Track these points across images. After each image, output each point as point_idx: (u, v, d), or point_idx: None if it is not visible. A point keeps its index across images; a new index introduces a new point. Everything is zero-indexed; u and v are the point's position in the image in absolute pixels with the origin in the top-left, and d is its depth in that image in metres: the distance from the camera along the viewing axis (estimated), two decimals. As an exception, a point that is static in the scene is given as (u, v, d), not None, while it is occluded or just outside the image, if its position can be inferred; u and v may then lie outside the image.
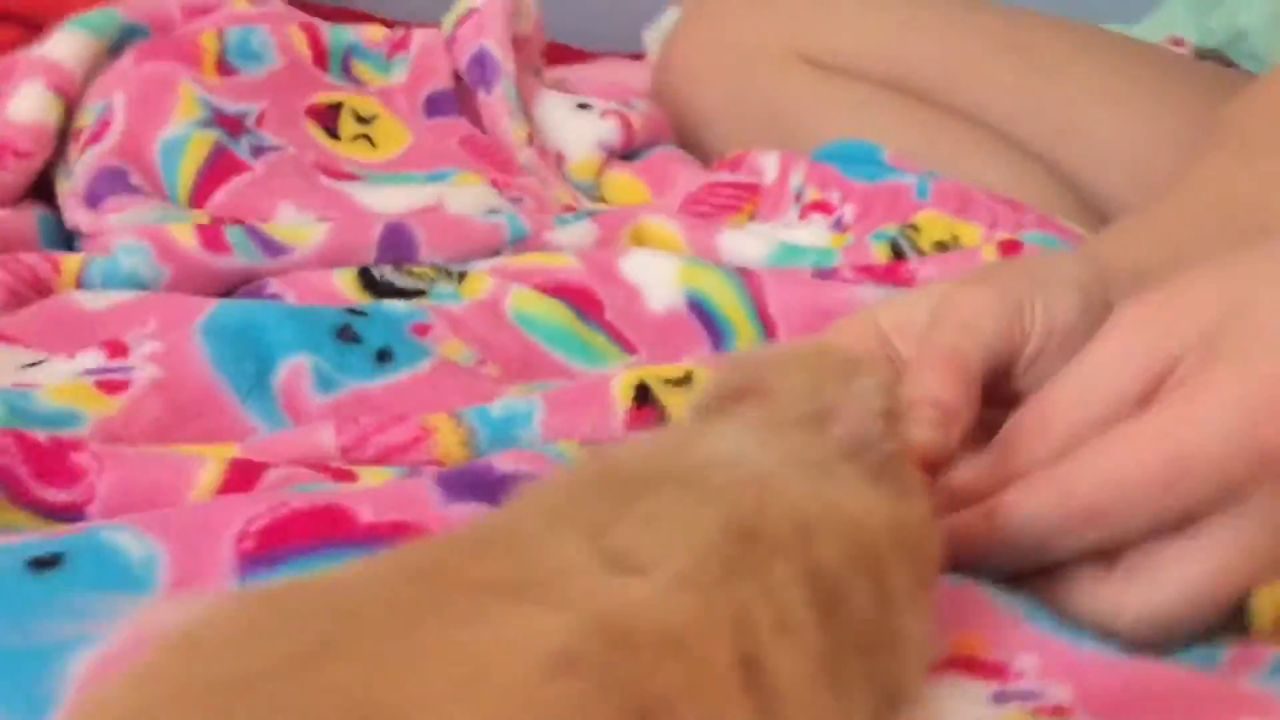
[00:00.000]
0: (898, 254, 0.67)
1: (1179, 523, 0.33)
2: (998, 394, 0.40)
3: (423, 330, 0.55)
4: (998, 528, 0.35)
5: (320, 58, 0.76)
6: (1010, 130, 0.80)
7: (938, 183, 0.72)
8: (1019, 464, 0.36)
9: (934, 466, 0.38)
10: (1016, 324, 0.41)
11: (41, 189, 0.66)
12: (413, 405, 0.51)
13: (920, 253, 0.67)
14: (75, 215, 0.63)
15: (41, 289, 0.55)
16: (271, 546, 0.36)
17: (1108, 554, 0.35)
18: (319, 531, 0.36)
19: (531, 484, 0.28)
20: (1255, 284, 0.35)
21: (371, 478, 0.44)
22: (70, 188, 0.64)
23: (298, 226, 0.62)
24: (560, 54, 1.04)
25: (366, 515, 0.37)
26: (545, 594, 0.22)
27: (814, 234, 0.72)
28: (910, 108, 0.81)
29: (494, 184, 0.72)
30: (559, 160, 0.79)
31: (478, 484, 0.40)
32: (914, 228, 0.69)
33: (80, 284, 0.57)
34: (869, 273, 0.65)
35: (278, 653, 0.20)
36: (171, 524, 0.36)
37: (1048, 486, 0.35)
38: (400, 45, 0.80)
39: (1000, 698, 0.31)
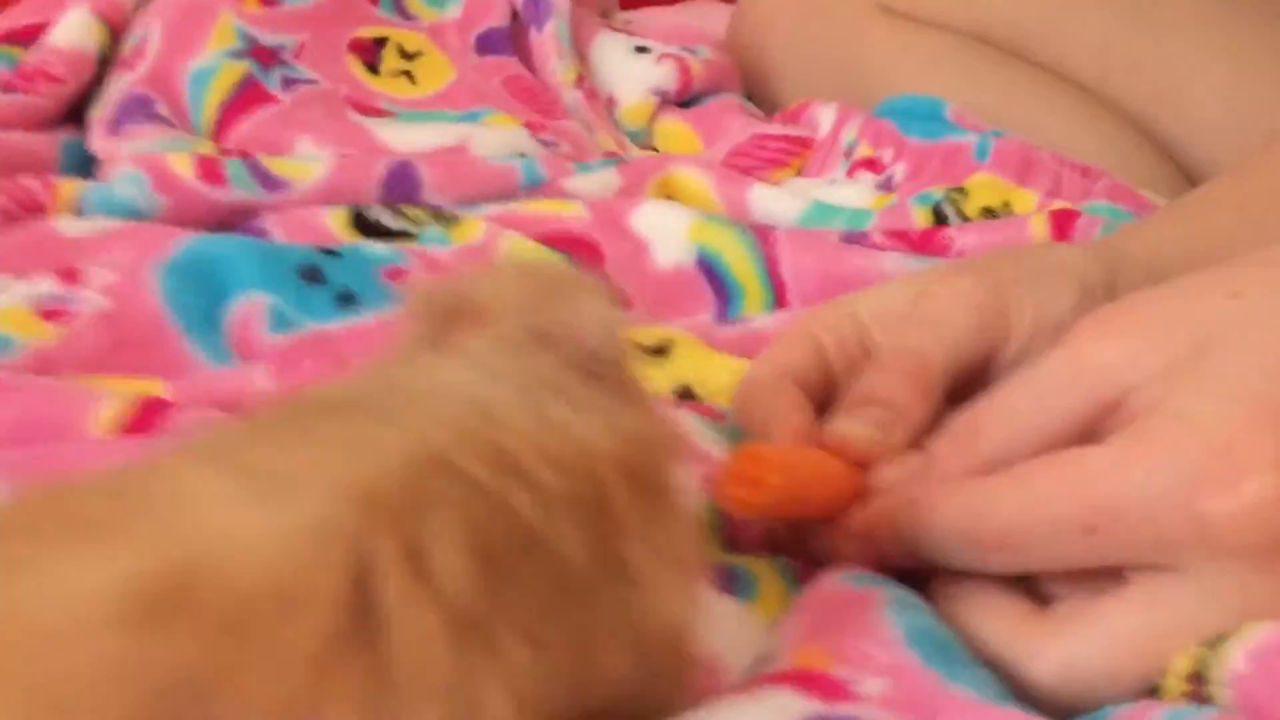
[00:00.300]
0: (940, 219, 0.62)
1: (1107, 570, 0.30)
2: (981, 387, 0.37)
3: (397, 274, 0.53)
4: (914, 522, 0.33)
5: (371, -10, 0.75)
6: (1103, 90, 0.72)
7: (1000, 143, 0.66)
8: (945, 470, 0.34)
9: (865, 463, 0.36)
10: (996, 317, 0.38)
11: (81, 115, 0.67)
12: (374, 351, 0.50)
13: (964, 219, 0.62)
14: (96, 142, 0.63)
15: (37, 212, 0.56)
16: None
17: (1035, 590, 0.32)
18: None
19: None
20: (1239, 313, 0.31)
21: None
22: (99, 114, 0.65)
23: (300, 161, 0.61)
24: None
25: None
26: (132, 531, 0.20)
27: (858, 193, 0.67)
28: (992, 63, 0.74)
29: (530, 126, 0.69)
30: (610, 105, 0.76)
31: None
32: (962, 191, 0.63)
33: (80, 211, 0.57)
34: (901, 239, 0.59)
35: None
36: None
37: (965, 499, 0.32)
38: (457, -21, 0.78)
39: None
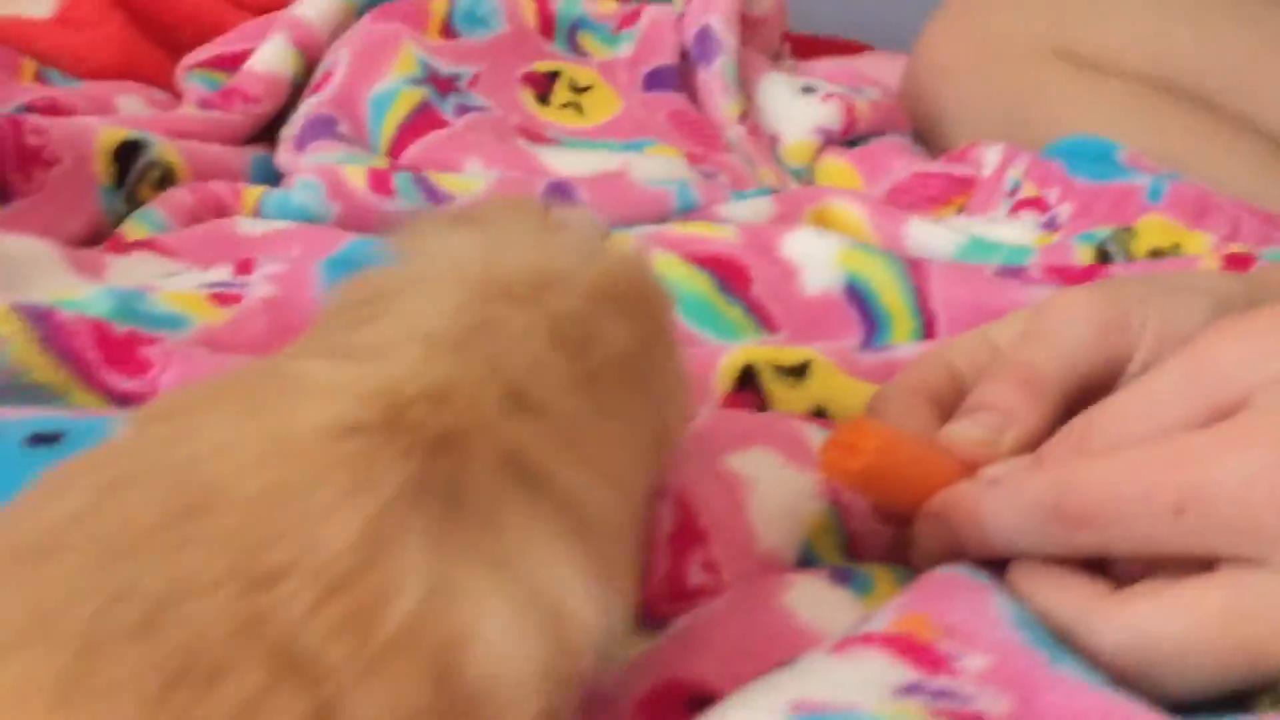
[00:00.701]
0: (1104, 258, 0.60)
1: (1194, 561, 0.29)
2: None
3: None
4: (995, 499, 0.32)
5: (547, 27, 0.78)
6: None
7: (1175, 186, 0.63)
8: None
9: (975, 466, 0.35)
10: (1118, 332, 0.37)
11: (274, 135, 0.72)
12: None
13: (1130, 258, 0.59)
14: (282, 157, 0.68)
15: (221, 214, 0.60)
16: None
17: (1111, 574, 0.31)
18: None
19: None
20: None
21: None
22: (287, 133, 0.69)
23: (465, 178, 0.63)
24: (830, 47, 1.01)
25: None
26: (309, 386, 0.24)
27: (1020, 232, 0.65)
28: (1175, 110, 0.71)
29: (691, 158, 0.70)
30: (773, 142, 0.77)
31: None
32: (1130, 231, 0.61)
33: (257, 213, 0.61)
34: (1060, 275, 0.57)
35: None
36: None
37: (1055, 472, 0.31)
38: (630, 20, 0.80)
39: (908, 690, 0.26)
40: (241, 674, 0.19)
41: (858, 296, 0.58)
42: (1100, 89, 0.74)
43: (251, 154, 0.69)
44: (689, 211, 0.63)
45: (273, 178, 0.68)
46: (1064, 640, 0.29)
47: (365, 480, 0.22)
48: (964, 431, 0.36)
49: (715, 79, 0.76)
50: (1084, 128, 0.72)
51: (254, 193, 0.61)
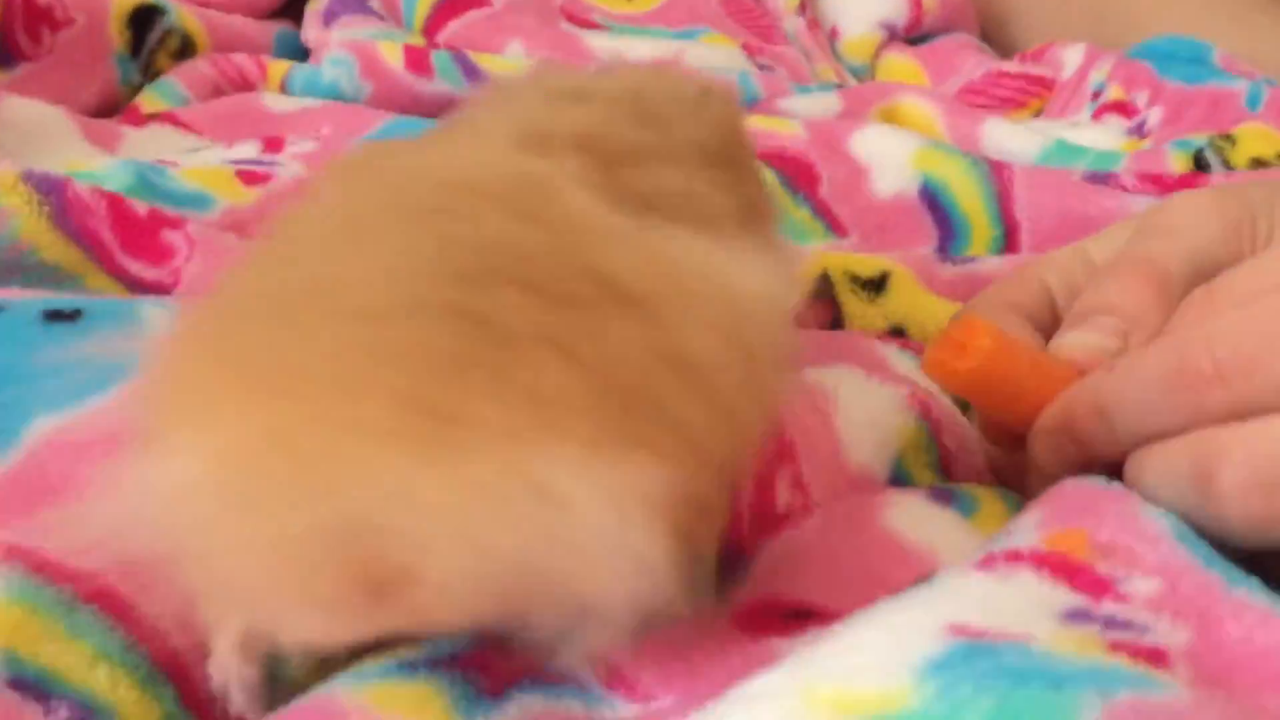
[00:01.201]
0: (1201, 166, 0.55)
1: None
2: None
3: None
4: (1116, 380, 0.29)
5: (592, -98, 0.72)
6: None
7: (1275, 92, 0.58)
8: None
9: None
10: (1241, 230, 0.33)
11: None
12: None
13: (1229, 167, 0.55)
14: (309, 31, 0.63)
15: (245, 89, 0.55)
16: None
17: None
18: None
19: None
20: None
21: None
22: (314, 6, 0.64)
23: (507, 58, 0.58)
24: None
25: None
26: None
27: (1106, 137, 0.60)
28: (1266, 13, 0.66)
29: (747, 49, 0.65)
30: (832, 36, 0.71)
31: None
32: (1229, 139, 0.56)
33: (284, 89, 0.56)
34: (1155, 183, 0.53)
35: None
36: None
37: (1180, 334, 0.28)
38: (683, -103, 0.74)
39: (1075, 616, 0.23)
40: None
41: (934, 201, 0.54)
42: None
43: (276, 28, 0.64)
44: (750, 104, 0.59)
45: (298, 54, 0.63)
46: (1184, 516, 0.26)
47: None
48: (1080, 339, 0.32)
49: (773, -36, 0.71)
50: (1166, 28, 0.66)
51: (280, 68, 0.56)
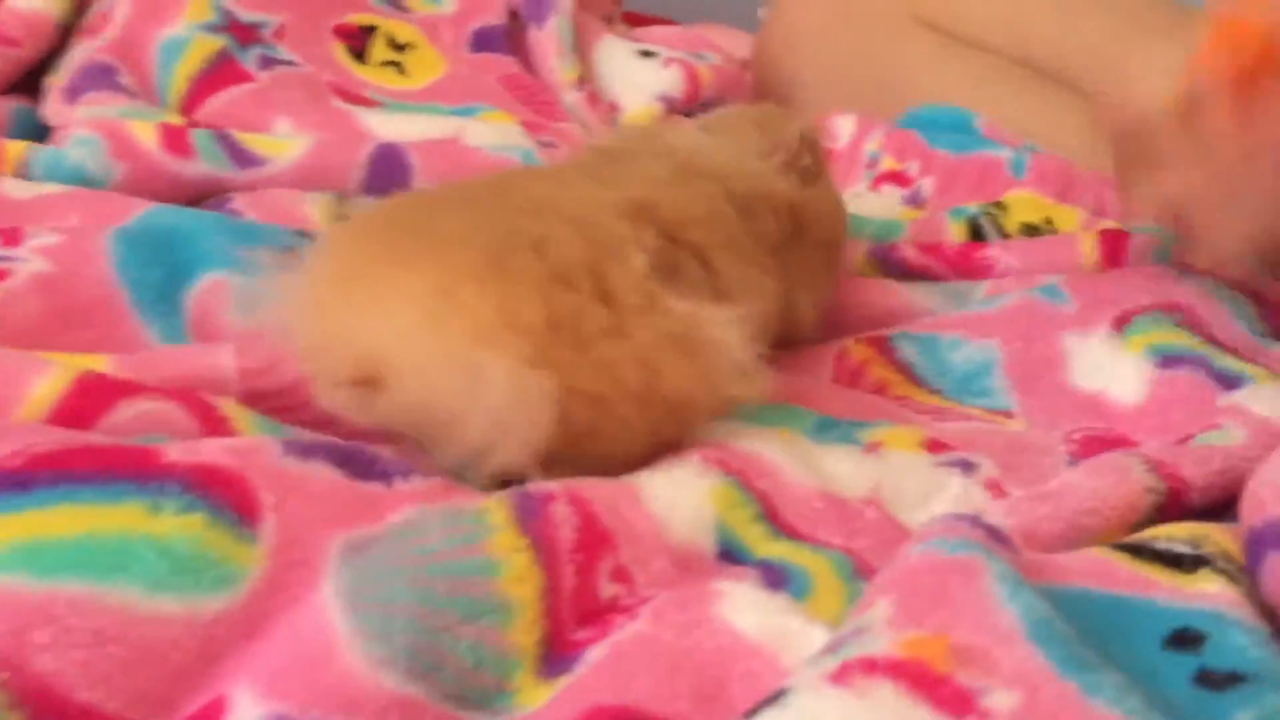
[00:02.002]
0: (976, 235, 0.57)
1: None
2: None
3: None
4: None
5: (361, -25, 0.69)
6: None
7: (1037, 159, 0.61)
8: None
9: None
10: None
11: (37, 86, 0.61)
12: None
13: (1004, 234, 0.57)
14: (51, 108, 0.57)
15: (-24, 175, 0.50)
16: (41, 468, 0.28)
17: None
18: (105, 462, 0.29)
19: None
20: None
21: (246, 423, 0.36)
22: (56, 81, 0.59)
23: (278, 138, 0.55)
24: (660, 24, 0.96)
25: (173, 454, 0.29)
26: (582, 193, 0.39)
27: (884, 205, 0.62)
28: (1037, 85, 0.70)
29: (527, 126, 0.64)
30: (613, 110, 0.71)
31: (334, 450, 0.32)
32: (1000, 206, 0.58)
33: (22, 174, 0.51)
34: (935, 254, 0.54)
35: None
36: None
37: None
38: (453, -29, 0.72)
39: None
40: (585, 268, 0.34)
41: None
42: (963, 59, 0.72)
43: (10, 105, 0.58)
44: (535, 181, 0.57)
45: (35, 133, 0.58)
46: None
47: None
48: None
49: (549, 40, 0.70)
50: (945, 97, 0.69)
51: (16, 149, 0.51)
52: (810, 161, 0.45)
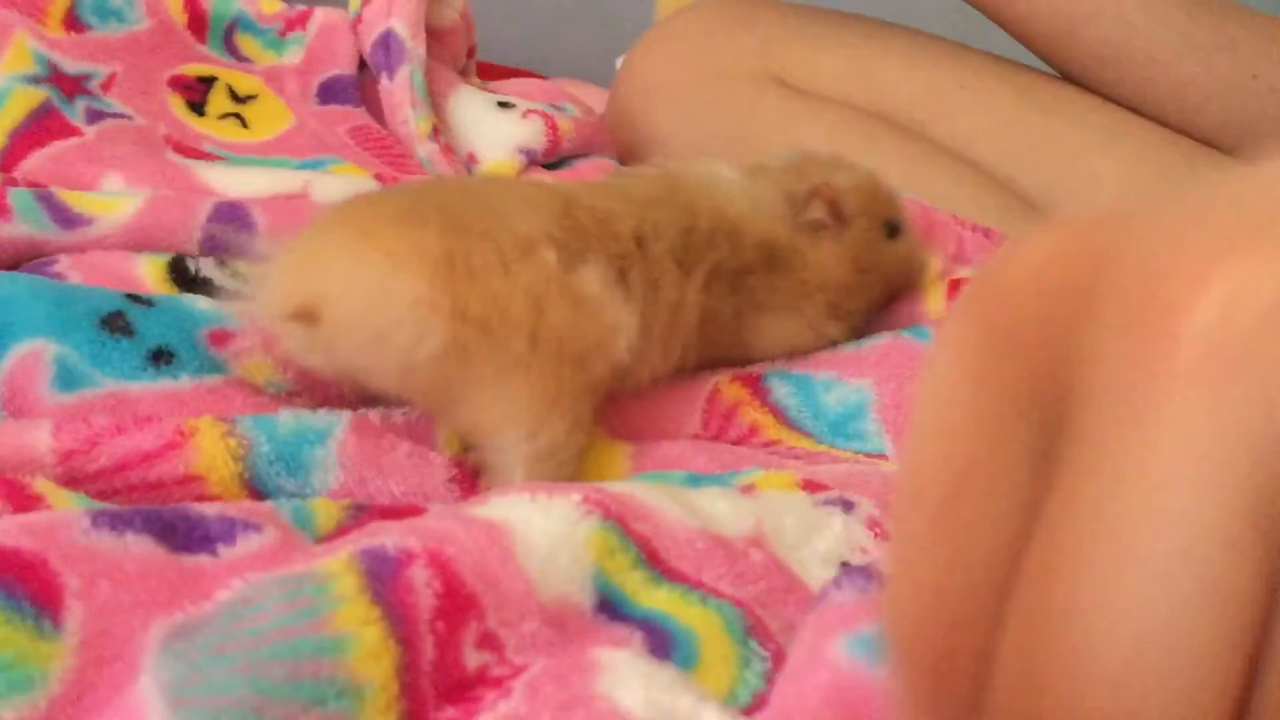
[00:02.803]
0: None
1: None
2: None
3: (223, 339, 0.44)
4: None
5: (198, 25, 0.66)
6: (1001, 169, 0.69)
7: (898, 201, 0.61)
8: None
9: None
10: None
11: None
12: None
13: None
14: None
15: None
16: None
17: None
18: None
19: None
20: None
21: (62, 501, 0.32)
22: None
23: (106, 197, 0.51)
24: (516, 76, 0.94)
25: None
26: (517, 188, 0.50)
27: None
28: (891, 136, 0.71)
29: (380, 179, 0.61)
30: (470, 161, 0.69)
31: (151, 518, 0.28)
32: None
33: None
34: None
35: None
36: None
37: None
38: (297, 22, 0.70)
39: None
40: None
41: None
42: (816, 111, 0.73)
43: None
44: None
45: None
46: None
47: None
48: None
49: (401, 90, 0.67)
50: (800, 149, 0.69)
51: None
52: (822, 215, 0.49)
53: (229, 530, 0.28)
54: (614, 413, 0.45)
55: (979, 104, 0.70)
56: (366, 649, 0.25)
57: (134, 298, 0.44)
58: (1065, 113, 0.71)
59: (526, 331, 0.40)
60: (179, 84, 0.63)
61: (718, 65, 0.76)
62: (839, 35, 0.75)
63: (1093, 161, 0.69)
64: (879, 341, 0.48)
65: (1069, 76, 0.71)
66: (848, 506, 0.37)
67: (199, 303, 0.45)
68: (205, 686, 0.23)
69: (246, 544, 0.28)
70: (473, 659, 0.28)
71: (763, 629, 0.30)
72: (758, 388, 0.46)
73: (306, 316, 0.38)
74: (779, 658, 0.30)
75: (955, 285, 0.54)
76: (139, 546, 0.26)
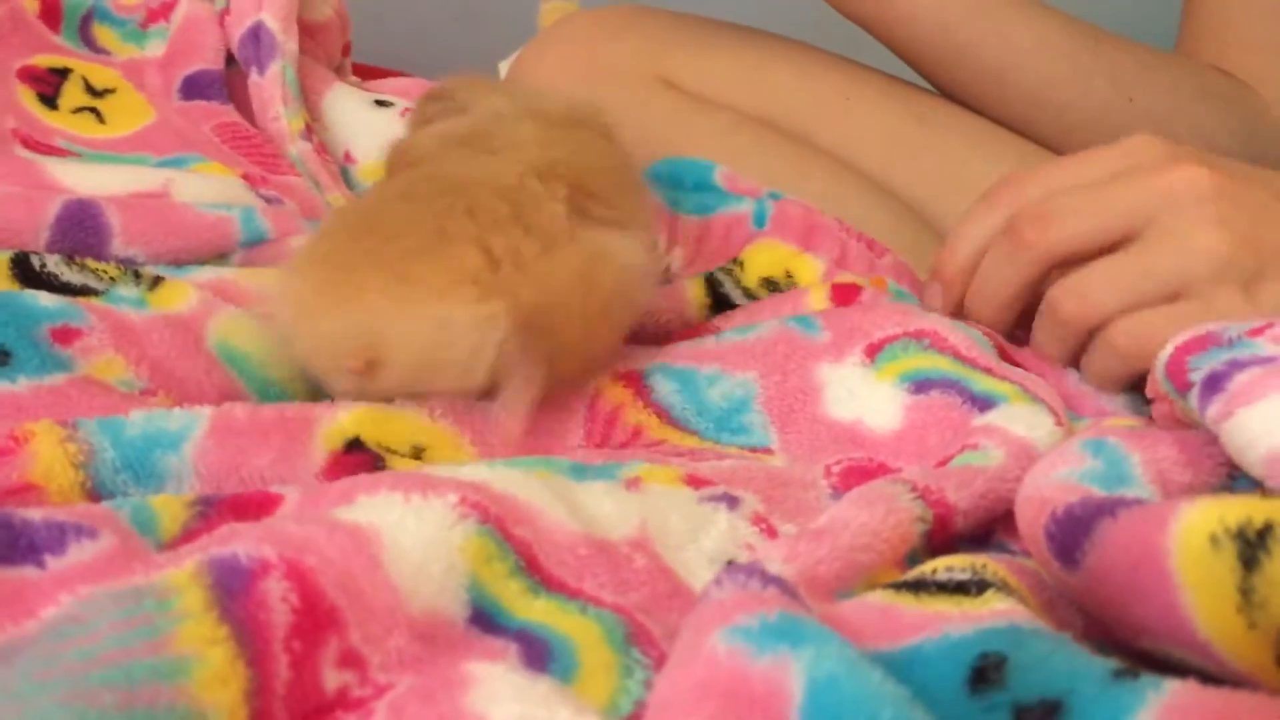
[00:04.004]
0: (716, 292, 0.55)
1: None
2: None
3: (68, 336, 0.41)
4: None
5: (52, 14, 0.63)
6: (887, 177, 0.70)
7: (780, 205, 0.61)
8: None
9: None
10: None
11: None
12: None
13: (746, 291, 0.56)
14: None
15: None
16: None
17: None
18: None
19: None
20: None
21: None
22: None
23: (-58, 190, 0.48)
24: (392, 77, 0.92)
25: None
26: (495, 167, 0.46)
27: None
28: (779, 139, 0.71)
29: (248, 179, 0.59)
30: (346, 160, 0.67)
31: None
32: (737, 263, 0.57)
33: None
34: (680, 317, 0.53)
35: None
36: None
37: None
38: (160, 14, 0.67)
39: None
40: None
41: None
42: (707, 114, 0.73)
43: None
44: (255, 244, 0.52)
45: None
46: None
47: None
48: None
49: (272, 86, 0.65)
50: (693, 151, 0.69)
51: None
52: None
53: (58, 538, 0.26)
54: (491, 431, 0.43)
55: (866, 114, 0.71)
56: (211, 672, 0.24)
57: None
58: (948, 124, 0.72)
59: (579, 302, 0.42)
60: (29, 75, 0.60)
61: (609, 68, 0.76)
62: (729, 43, 0.75)
63: (969, 172, 0.70)
64: (764, 331, 0.48)
65: (953, 97, 0.73)
66: (732, 503, 0.36)
67: (40, 298, 0.42)
68: (24, 718, 0.21)
69: (79, 553, 0.26)
70: (332, 680, 0.26)
71: (645, 636, 0.29)
72: (640, 387, 0.45)
73: (369, 369, 0.40)
74: (662, 664, 0.29)
75: (838, 289, 0.54)
76: (-47, 561, 0.24)
